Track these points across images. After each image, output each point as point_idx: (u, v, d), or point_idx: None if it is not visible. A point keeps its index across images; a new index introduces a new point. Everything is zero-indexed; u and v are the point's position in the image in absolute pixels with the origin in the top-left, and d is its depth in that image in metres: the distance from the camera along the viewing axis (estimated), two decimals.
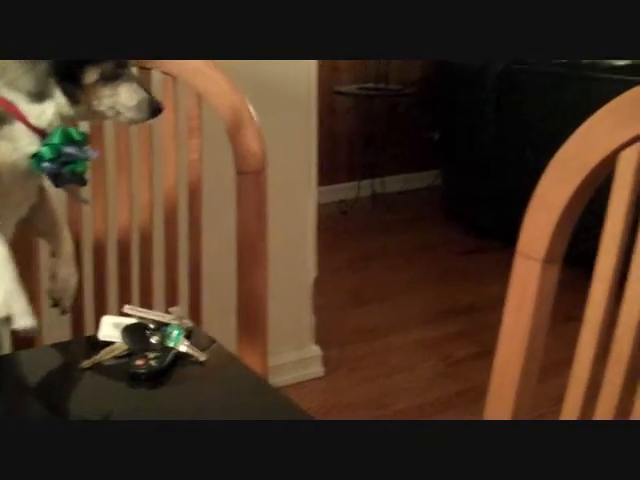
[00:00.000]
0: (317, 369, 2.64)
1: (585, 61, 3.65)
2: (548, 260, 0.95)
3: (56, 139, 1.06)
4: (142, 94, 1.10)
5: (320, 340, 2.68)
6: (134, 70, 1.13)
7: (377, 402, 2.50)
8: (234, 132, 1.36)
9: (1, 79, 1.04)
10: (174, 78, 1.40)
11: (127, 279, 1.48)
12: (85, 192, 1.28)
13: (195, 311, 1.42)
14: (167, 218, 1.44)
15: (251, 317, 1.41)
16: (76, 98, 1.07)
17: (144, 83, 1.12)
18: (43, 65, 1.05)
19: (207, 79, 1.37)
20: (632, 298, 0.89)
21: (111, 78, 1.08)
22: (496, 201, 3.78)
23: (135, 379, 1.02)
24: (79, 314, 1.46)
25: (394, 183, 4.74)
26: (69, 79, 1.06)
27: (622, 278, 0.91)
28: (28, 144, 1.07)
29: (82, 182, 1.13)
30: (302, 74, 2.35)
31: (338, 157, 4.68)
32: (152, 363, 1.03)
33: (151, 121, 1.16)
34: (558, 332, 1.46)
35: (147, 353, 1.05)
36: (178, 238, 1.44)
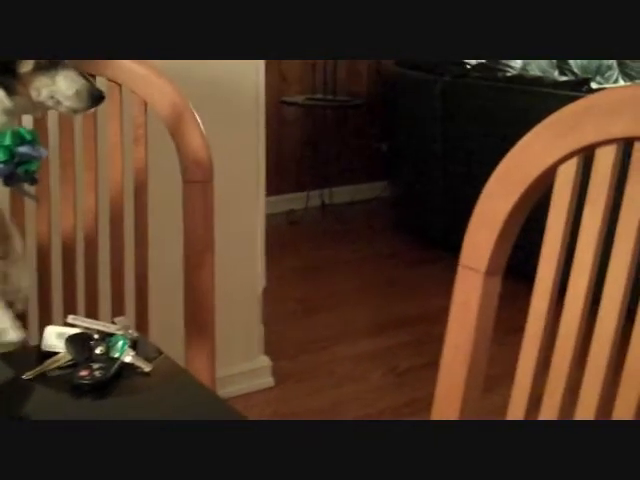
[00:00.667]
0: (267, 380, 2.64)
1: (530, 76, 3.73)
2: (490, 272, 0.97)
3: (7, 140, 1.05)
4: (81, 82, 1.09)
5: (269, 351, 2.67)
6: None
7: (327, 412, 2.50)
8: (180, 141, 1.36)
9: None
10: (119, 86, 1.39)
11: (72, 288, 1.47)
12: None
13: (142, 321, 1.42)
14: (113, 226, 1.43)
15: (198, 327, 1.41)
16: (13, 89, 1.04)
17: (83, 71, 1.10)
18: None
19: (153, 87, 1.37)
20: (571, 310, 0.91)
21: (47, 67, 1.06)
22: (443, 212, 3.83)
23: (79, 390, 1.02)
24: (23, 323, 1.44)
25: (343, 194, 4.76)
26: (2, 70, 1.03)
27: (562, 290, 0.93)
28: None
29: (33, 181, 1.11)
30: (250, 83, 2.35)
31: (287, 167, 4.69)
32: (96, 374, 1.03)
33: (92, 110, 1.14)
34: (503, 343, 1.48)
35: (92, 364, 1.04)
36: (124, 247, 1.43)
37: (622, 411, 0.86)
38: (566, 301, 0.91)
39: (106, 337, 1.09)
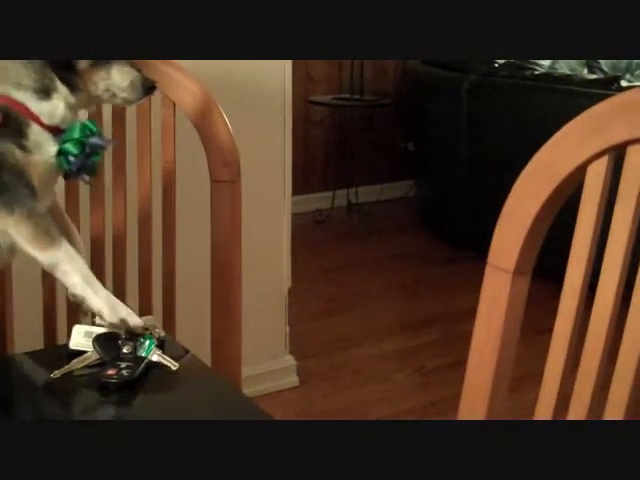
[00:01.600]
0: (292, 379, 2.64)
1: (558, 74, 3.69)
2: (518, 272, 0.96)
3: (76, 133, 1.06)
4: (134, 73, 1.11)
5: (294, 350, 2.68)
6: None
7: (351, 412, 2.50)
8: (208, 141, 1.36)
9: (6, 81, 1.03)
10: None
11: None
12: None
13: (169, 320, 1.42)
14: (141, 226, 1.43)
15: (226, 327, 1.41)
16: (76, 85, 1.07)
17: (135, 63, 1.13)
18: (37, 60, 1.04)
19: (182, 88, 1.37)
20: (601, 309, 0.90)
21: (102, 62, 1.08)
22: (470, 212, 3.81)
23: (106, 389, 1.02)
24: (52, 322, 1.46)
25: (369, 193, 4.75)
26: (65, 68, 1.06)
27: (592, 290, 0.92)
28: (50, 146, 1.06)
29: (94, 172, 1.13)
30: (277, 83, 2.35)
31: (313, 166, 4.69)
32: (123, 373, 1.03)
33: (143, 100, 1.17)
34: (531, 343, 1.47)
35: (119, 363, 1.05)
36: (152, 246, 1.43)
37: None
38: (596, 300, 0.90)
39: (133, 336, 1.10)
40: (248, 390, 1.58)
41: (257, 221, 2.27)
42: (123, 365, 1.04)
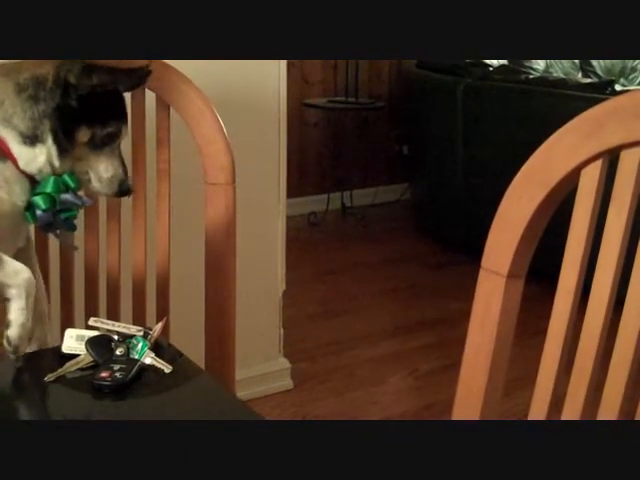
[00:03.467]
0: (286, 382, 2.64)
1: (553, 78, 3.71)
2: (512, 275, 0.96)
3: (49, 187, 1.04)
4: (119, 171, 1.10)
5: (289, 353, 2.67)
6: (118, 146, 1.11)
7: (345, 415, 2.50)
8: (203, 144, 1.36)
9: None
10: (143, 88, 1.40)
11: (93, 290, 1.47)
12: None
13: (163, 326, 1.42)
14: (134, 229, 1.43)
15: (219, 329, 1.41)
16: (64, 150, 1.04)
17: (123, 161, 1.11)
18: (42, 107, 1.02)
19: (176, 90, 1.37)
20: (594, 311, 0.90)
21: (99, 145, 1.07)
22: (464, 215, 3.81)
23: (100, 391, 1.02)
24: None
25: (364, 196, 4.76)
26: (64, 130, 1.04)
27: (585, 293, 0.92)
28: (20, 190, 1.03)
29: (72, 228, 1.10)
30: (272, 86, 2.35)
31: (308, 169, 4.70)
32: (117, 375, 1.03)
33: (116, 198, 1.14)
34: (525, 346, 1.48)
35: (112, 365, 1.04)
36: (146, 249, 1.43)
37: None
38: (589, 303, 0.91)
39: (126, 339, 1.10)
40: (242, 393, 1.57)
41: (252, 223, 2.27)
42: (116, 367, 1.04)
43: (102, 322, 1.13)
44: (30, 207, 1.05)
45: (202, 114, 1.35)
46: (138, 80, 1.12)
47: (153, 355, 1.09)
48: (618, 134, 0.86)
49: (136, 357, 1.08)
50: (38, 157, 1.03)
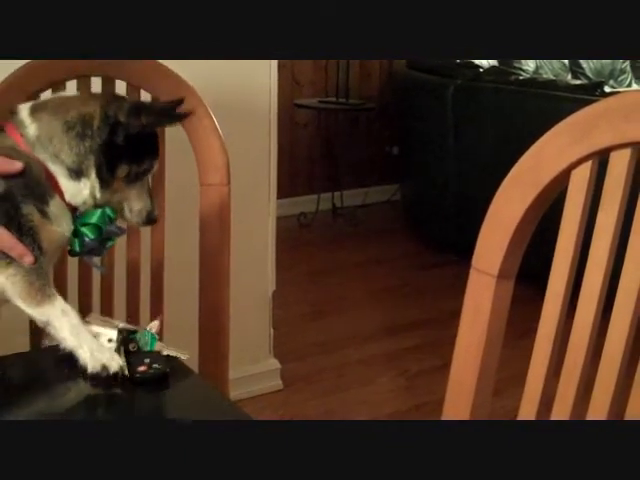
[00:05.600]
0: (275, 382, 2.64)
1: (543, 79, 3.72)
2: (502, 275, 0.97)
3: (95, 219, 1.09)
4: (147, 202, 1.15)
5: (278, 353, 2.68)
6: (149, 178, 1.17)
7: (335, 415, 2.50)
8: (198, 145, 1.36)
9: (47, 150, 1.05)
10: (138, 89, 1.40)
11: (87, 291, 1.47)
12: None
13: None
14: (128, 229, 1.43)
15: (213, 331, 1.41)
16: (106, 184, 1.09)
17: (152, 192, 1.17)
18: (87, 144, 1.06)
19: (173, 92, 1.37)
20: (584, 313, 0.91)
21: (133, 179, 1.11)
22: (454, 216, 3.82)
23: (142, 384, 1.04)
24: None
25: (354, 196, 4.76)
26: (107, 166, 1.08)
27: (575, 293, 0.92)
28: (66, 222, 1.08)
29: (100, 253, 1.16)
30: (263, 86, 2.35)
31: (298, 170, 4.70)
32: (156, 366, 1.05)
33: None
34: (515, 346, 1.48)
35: (143, 358, 1.06)
36: (140, 250, 1.43)
37: (634, 414, 0.86)
38: (579, 304, 0.91)
39: (129, 334, 1.11)
40: (232, 393, 1.57)
41: (242, 224, 2.26)
42: (147, 360, 1.06)
43: (101, 319, 1.13)
44: (77, 236, 1.10)
45: (197, 114, 1.36)
46: (179, 120, 1.17)
47: (165, 345, 1.10)
48: (608, 136, 0.86)
49: (147, 349, 1.09)
50: (83, 190, 1.08)
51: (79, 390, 1.06)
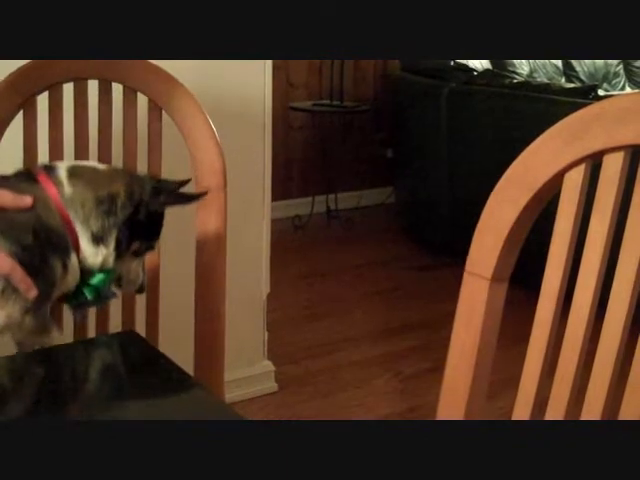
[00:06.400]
0: (270, 385, 2.64)
1: (536, 82, 3.73)
2: (496, 279, 0.97)
3: (97, 282, 1.15)
4: (142, 275, 1.23)
5: (273, 356, 2.68)
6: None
7: (330, 417, 2.50)
8: (195, 149, 1.36)
9: (77, 212, 1.10)
10: (135, 92, 1.40)
11: None
12: None
13: (151, 329, 1.42)
14: None
15: (209, 335, 1.41)
16: (119, 257, 1.16)
17: (145, 264, 1.23)
18: (112, 219, 1.13)
19: (170, 96, 1.38)
20: (577, 316, 0.91)
21: (138, 254, 1.19)
22: (448, 218, 3.83)
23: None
24: None
25: (348, 199, 4.76)
26: (127, 241, 1.15)
27: (568, 297, 0.93)
28: (75, 278, 1.14)
29: (86, 309, 1.23)
30: (257, 89, 2.35)
31: (293, 172, 4.70)
32: None
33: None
34: (509, 349, 1.49)
35: None
36: None
37: (628, 415, 0.86)
38: (573, 307, 0.91)
39: None
40: (227, 395, 1.57)
41: (236, 226, 2.27)
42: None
43: None
44: (75, 293, 1.16)
45: (194, 118, 1.36)
46: (195, 201, 1.23)
47: None
48: (601, 139, 0.87)
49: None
50: (98, 256, 1.14)
51: (70, 391, 1.05)
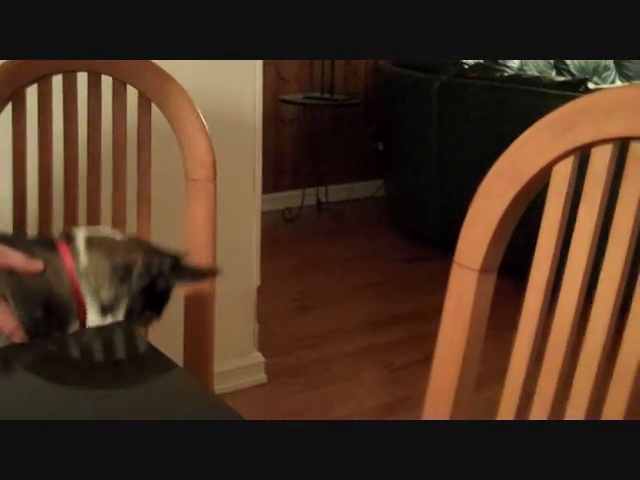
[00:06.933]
0: (260, 376, 2.65)
1: (527, 76, 3.73)
2: (484, 270, 0.98)
3: None
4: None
5: (263, 347, 2.68)
6: None
7: (320, 409, 2.51)
8: (184, 140, 1.36)
9: (90, 283, 1.11)
10: (125, 84, 1.40)
11: None
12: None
13: None
14: (114, 225, 1.43)
15: (198, 327, 1.41)
16: (129, 325, 1.15)
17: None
18: (126, 288, 1.12)
19: (159, 87, 1.38)
20: (565, 308, 0.92)
21: (144, 323, 1.20)
22: (438, 211, 3.84)
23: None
24: None
25: (339, 192, 4.77)
26: (139, 310, 1.15)
27: (555, 288, 0.94)
28: None
29: None
30: (248, 82, 2.35)
31: (283, 165, 4.70)
32: None
33: None
34: (498, 340, 1.49)
35: None
36: None
37: (613, 408, 0.87)
38: (560, 299, 0.92)
39: None
40: (216, 387, 1.58)
41: (227, 219, 2.27)
42: None
43: None
44: None
45: (184, 111, 1.36)
46: (208, 279, 1.28)
47: None
48: (589, 132, 0.87)
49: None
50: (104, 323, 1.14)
51: (53, 385, 1.06)
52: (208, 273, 1.24)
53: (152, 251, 1.17)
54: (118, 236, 1.17)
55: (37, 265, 1.07)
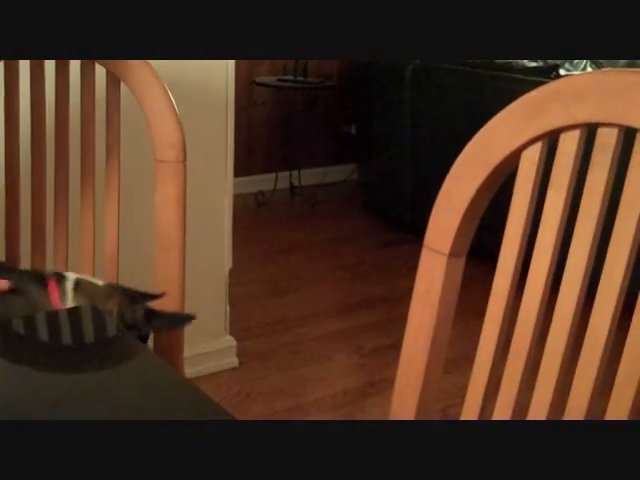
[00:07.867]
0: (231, 360, 2.65)
1: (499, 61, 3.74)
2: (453, 254, 0.98)
3: None
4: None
5: (234, 331, 2.68)
6: None
7: (291, 392, 2.52)
8: (153, 120, 1.35)
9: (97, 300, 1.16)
10: (93, 63, 1.39)
11: (41, 265, 1.46)
12: None
13: None
14: (83, 204, 1.42)
15: (168, 307, 1.41)
16: None
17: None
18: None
19: (128, 66, 1.36)
20: (532, 293, 0.92)
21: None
22: (410, 195, 3.84)
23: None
24: None
25: (312, 176, 4.76)
26: (140, 332, 1.19)
27: (524, 273, 0.94)
28: None
29: None
30: (221, 63, 2.33)
31: (256, 148, 4.68)
32: None
33: None
34: (467, 325, 1.50)
35: None
36: (95, 226, 1.42)
37: (579, 395, 0.88)
38: (527, 284, 0.93)
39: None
40: (187, 370, 1.58)
41: (198, 202, 2.26)
42: None
43: None
44: None
45: (152, 90, 1.34)
46: (183, 326, 1.28)
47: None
48: (558, 117, 0.88)
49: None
50: None
51: (20, 368, 1.05)
52: (182, 320, 1.27)
53: (127, 300, 1.20)
54: (99, 283, 1.21)
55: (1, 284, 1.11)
